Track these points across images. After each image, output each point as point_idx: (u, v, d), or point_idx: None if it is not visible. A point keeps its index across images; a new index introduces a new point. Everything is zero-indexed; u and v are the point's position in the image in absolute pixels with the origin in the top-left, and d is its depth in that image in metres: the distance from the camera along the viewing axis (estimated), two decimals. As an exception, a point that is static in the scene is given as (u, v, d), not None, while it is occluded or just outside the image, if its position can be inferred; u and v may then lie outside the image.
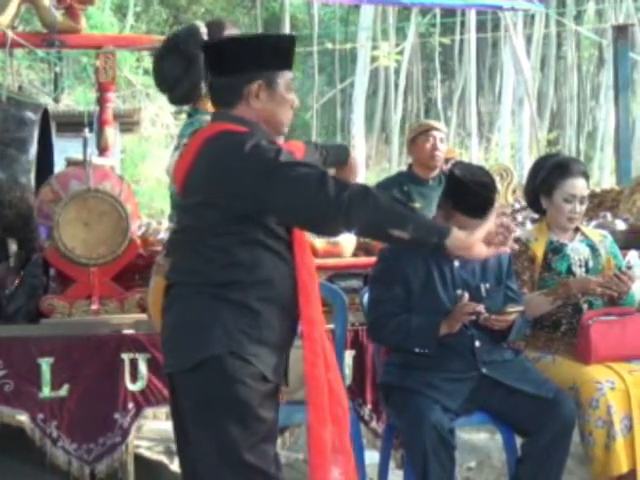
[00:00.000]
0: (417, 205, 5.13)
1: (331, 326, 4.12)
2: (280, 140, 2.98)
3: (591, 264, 4.11)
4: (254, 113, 2.89)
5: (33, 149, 5.09)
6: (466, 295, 3.66)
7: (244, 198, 2.76)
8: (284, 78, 2.91)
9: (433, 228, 2.83)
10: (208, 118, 3.40)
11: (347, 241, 4.45)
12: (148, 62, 21.07)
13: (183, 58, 3.68)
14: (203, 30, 3.69)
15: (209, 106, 3.57)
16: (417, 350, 3.69)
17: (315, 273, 2.95)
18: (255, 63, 2.86)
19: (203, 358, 2.76)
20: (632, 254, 4.58)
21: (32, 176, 5.05)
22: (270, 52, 2.89)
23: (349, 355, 4.22)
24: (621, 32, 9.37)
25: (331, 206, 2.72)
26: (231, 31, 3.69)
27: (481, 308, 3.63)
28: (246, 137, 2.80)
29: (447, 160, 5.53)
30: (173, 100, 3.86)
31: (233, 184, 2.76)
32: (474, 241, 2.80)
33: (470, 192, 3.62)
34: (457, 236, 2.77)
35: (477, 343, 3.72)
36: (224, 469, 2.77)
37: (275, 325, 2.84)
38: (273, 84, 2.89)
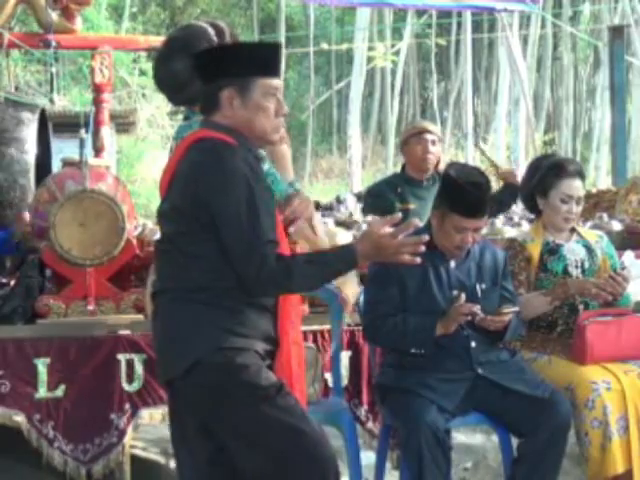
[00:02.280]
0: (412, 206, 5.12)
1: (327, 327, 4.13)
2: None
3: (587, 265, 4.11)
4: (230, 121, 2.88)
5: (32, 149, 5.09)
6: (462, 296, 3.66)
7: (207, 209, 2.77)
8: (261, 85, 2.88)
9: (339, 259, 2.86)
10: None
11: (343, 241, 4.44)
12: (144, 63, 21.09)
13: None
14: (211, 31, 3.65)
15: None
16: (413, 351, 3.70)
17: None
18: (225, 70, 2.86)
19: (197, 359, 2.77)
20: (628, 254, 4.59)
21: (31, 176, 5.05)
22: (241, 59, 2.88)
23: (345, 356, 4.22)
24: (617, 33, 9.40)
25: (252, 282, 2.77)
26: (227, 33, 3.67)
27: (477, 309, 3.63)
28: (227, 151, 2.81)
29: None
30: (180, 101, 3.77)
31: (203, 193, 2.77)
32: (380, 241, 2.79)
33: (465, 192, 3.62)
34: (364, 246, 2.81)
35: (473, 343, 3.72)
36: (283, 441, 2.80)
37: (259, 326, 2.86)
38: (246, 91, 2.86)
